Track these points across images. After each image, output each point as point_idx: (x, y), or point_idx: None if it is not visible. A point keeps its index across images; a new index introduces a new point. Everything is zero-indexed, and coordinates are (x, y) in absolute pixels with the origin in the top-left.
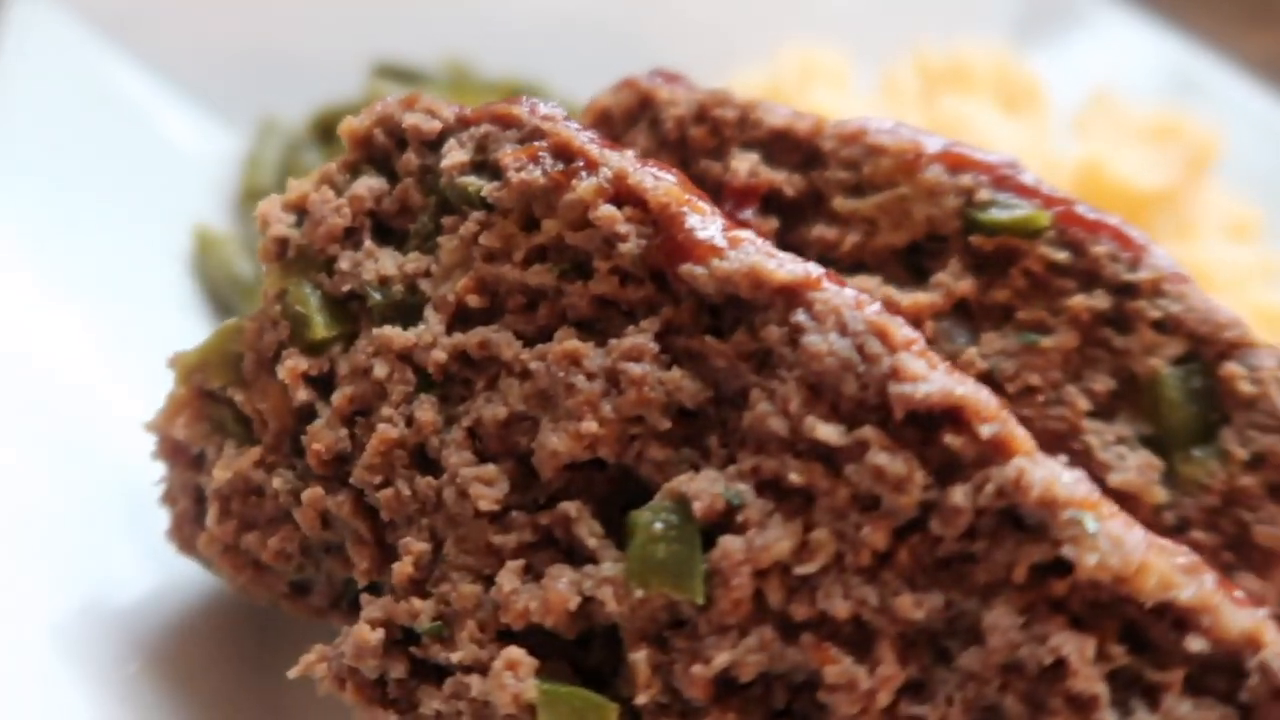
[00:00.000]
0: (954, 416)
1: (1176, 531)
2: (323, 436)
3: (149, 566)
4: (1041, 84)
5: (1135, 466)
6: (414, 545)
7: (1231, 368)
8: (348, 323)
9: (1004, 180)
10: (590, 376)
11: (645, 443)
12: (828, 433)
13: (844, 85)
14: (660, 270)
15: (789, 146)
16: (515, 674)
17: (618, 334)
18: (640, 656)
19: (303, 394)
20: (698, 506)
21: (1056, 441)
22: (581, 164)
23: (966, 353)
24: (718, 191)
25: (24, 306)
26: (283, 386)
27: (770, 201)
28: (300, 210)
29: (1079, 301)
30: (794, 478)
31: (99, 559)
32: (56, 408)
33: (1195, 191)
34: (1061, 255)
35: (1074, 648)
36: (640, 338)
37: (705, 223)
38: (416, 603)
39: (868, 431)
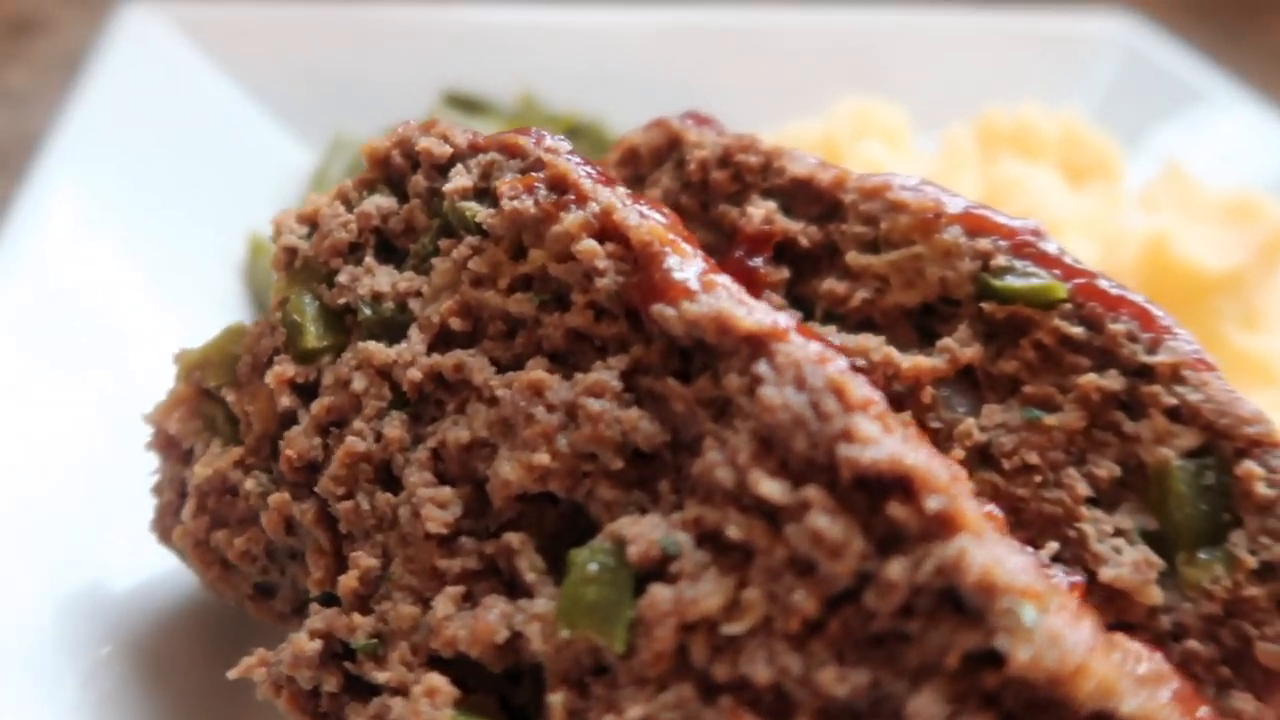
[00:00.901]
0: (902, 486)
1: (1172, 638)
2: (297, 443)
3: (141, 558)
4: (1114, 155)
5: (1131, 562)
6: (363, 560)
7: (1250, 467)
8: (341, 335)
9: (1023, 247)
10: (550, 409)
11: (596, 481)
12: (771, 489)
13: (900, 142)
14: (635, 309)
15: (810, 197)
16: (433, 701)
17: (587, 369)
18: (558, 699)
19: (287, 400)
20: (633, 551)
21: (1050, 527)
22: (572, 197)
23: (965, 423)
24: (732, 237)
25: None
26: (270, 391)
27: (785, 251)
28: (312, 223)
29: (1090, 380)
30: (733, 532)
31: (96, 545)
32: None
33: (1267, 278)
34: (1076, 330)
35: None
36: (605, 374)
37: (684, 265)
38: (357, 618)
39: (812, 492)
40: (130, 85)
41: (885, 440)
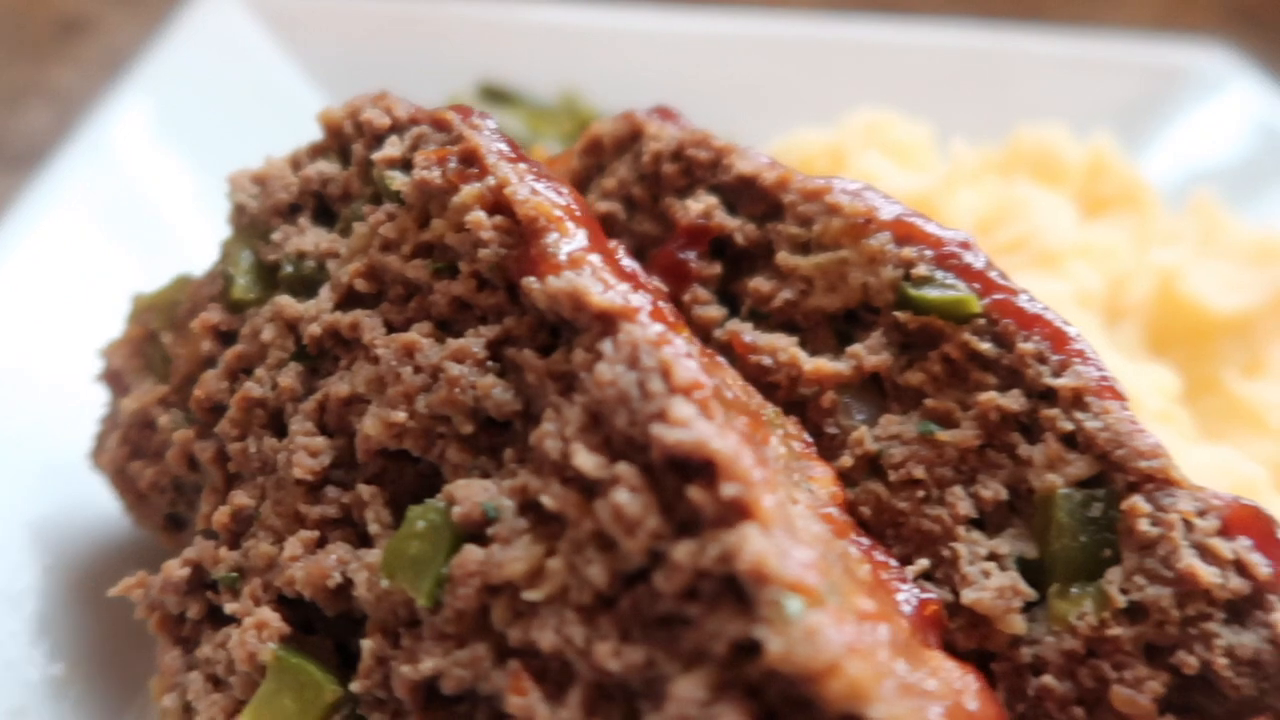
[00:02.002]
0: (705, 470)
1: (1031, 672)
2: (207, 384)
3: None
4: (1143, 187)
5: (996, 588)
6: (239, 498)
7: (1136, 502)
8: (270, 289)
9: (947, 258)
10: (418, 370)
11: (448, 443)
12: (585, 461)
13: (912, 157)
14: (513, 281)
15: (754, 195)
16: (260, 634)
17: (462, 335)
18: (369, 645)
19: (208, 344)
20: (457, 512)
21: (926, 544)
22: (476, 171)
23: (859, 431)
24: (674, 229)
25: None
26: (197, 335)
27: (724, 247)
28: (264, 183)
29: (989, 399)
30: (549, 502)
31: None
32: None
33: (1278, 326)
34: (986, 346)
35: None
36: (472, 341)
37: (562, 241)
38: (224, 552)
39: (622, 468)
40: (200, 55)
41: (698, 424)
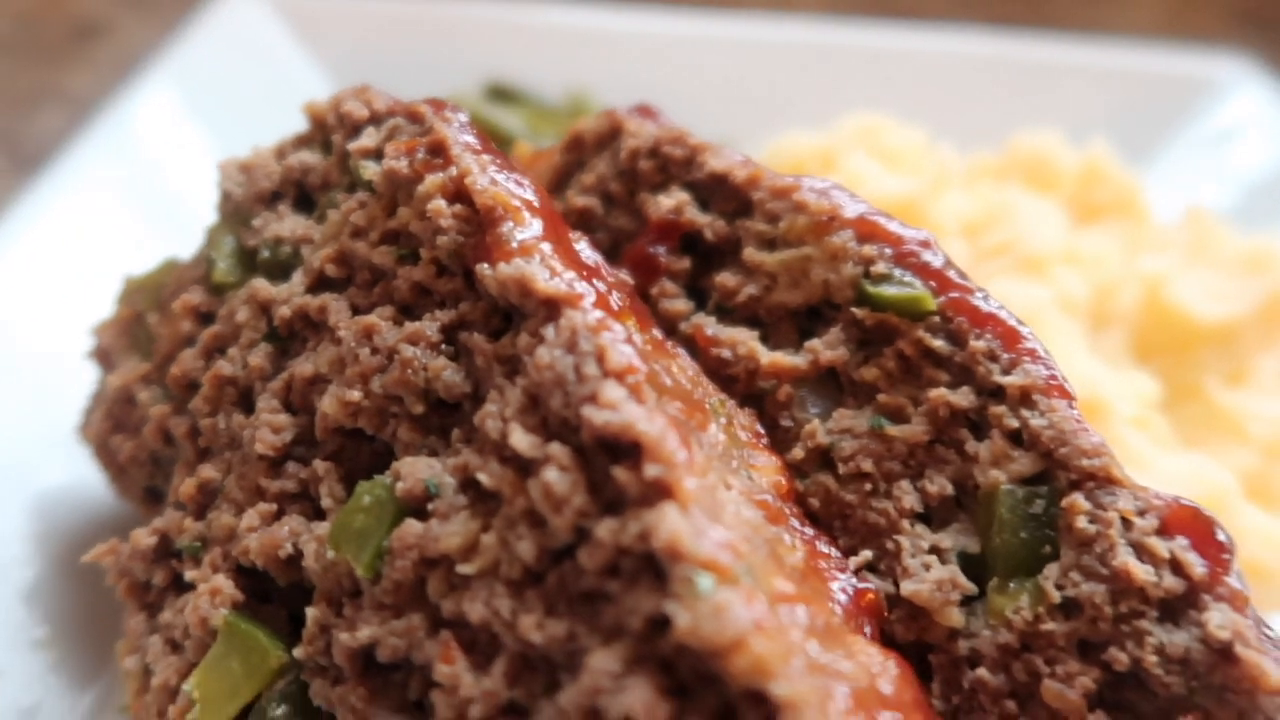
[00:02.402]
0: (632, 452)
1: (968, 664)
2: (184, 362)
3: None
4: (1137, 195)
5: (935, 580)
6: (206, 472)
7: (1076, 500)
8: (249, 273)
9: (906, 256)
10: (374, 351)
11: (400, 422)
12: (520, 441)
13: (900, 160)
14: (469, 268)
15: (726, 192)
16: (213, 600)
17: (419, 319)
18: (314, 614)
19: (188, 324)
20: (400, 487)
21: (871, 536)
22: (441, 161)
23: (812, 424)
24: (646, 224)
25: None
26: (179, 316)
27: (693, 243)
28: (249, 172)
29: (939, 395)
30: (486, 480)
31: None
32: None
33: (1265, 335)
34: (938, 343)
35: (643, 708)
36: (427, 324)
37: (516, 230)
38: (189, 522)
39: (555, 448)
40: (221, 50)
41: (627, 407)
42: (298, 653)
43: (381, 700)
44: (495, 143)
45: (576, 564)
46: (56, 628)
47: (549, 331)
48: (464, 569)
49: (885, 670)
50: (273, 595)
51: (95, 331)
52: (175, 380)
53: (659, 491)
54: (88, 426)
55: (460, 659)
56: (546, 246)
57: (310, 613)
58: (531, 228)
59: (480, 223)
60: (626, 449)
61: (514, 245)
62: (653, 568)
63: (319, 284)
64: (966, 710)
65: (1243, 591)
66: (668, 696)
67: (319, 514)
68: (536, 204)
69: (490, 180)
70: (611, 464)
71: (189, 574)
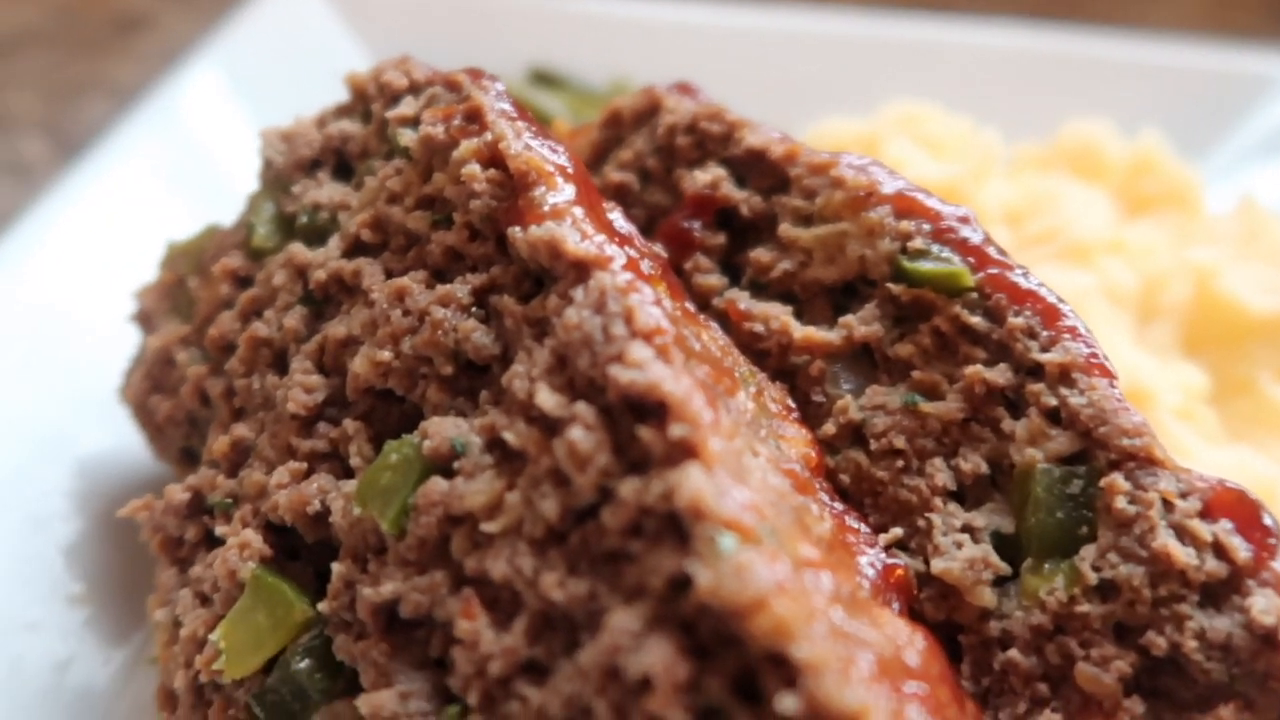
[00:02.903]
0: (657, 411)
1: (999, 646)
2: (222, 324)
3: None
4: (1192, 187)
5: (966, 559)
6: (240, 431)
7: (1116, 480)
8: (287, 239)
9: (945, 232)
10: (406, 313)
11: (429, 383)
12: (546, 400)
13: (942, 147)
14: (502, 232)
15: (763, 169)
16: (242, 553)
17: (451, 283)
18: (339, 569)
19: (226, 288)
20: (427, 445)
21: (903, 513)
22: (476, 127)
23: (844, 400)
24: (682, 199)
25: None
26: (219, 279)
27: (729, 218)
28: (290, 140)
29: (975, 372)
30: (511, 438)
31: None
32: None
33: None
34: (976, 319)
35: (662, 668)
36: (458, 287)
37: (550, 194)
38: (221, 479)
39: (581, 408)
40: (269, 29)
41: (654, 367)
42: (322, 607)
43: (403, 656)
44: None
45: (600, 523)
46: (92, 584)
47: (578, 293)
48: (487, 527)
49: (912, 642)
50: (300, 552)
51: (137, 295)
52: (213, 342)
53: (684, 451)
54: (128, 388)
55: (482, 615)
56: (578, 211)
57: (335, 568)
58: (564, 192)
59: (513, 187)
60: (652, 408)
61: (546, 209)
62: (676, 528)
63: (354, 249)
64: (997, 692)
65: None
66: (688, 656)
67: (348, 473)
68: (570, 170)
69: (524, 145)
70: (637, 424)
71: (220, 529)
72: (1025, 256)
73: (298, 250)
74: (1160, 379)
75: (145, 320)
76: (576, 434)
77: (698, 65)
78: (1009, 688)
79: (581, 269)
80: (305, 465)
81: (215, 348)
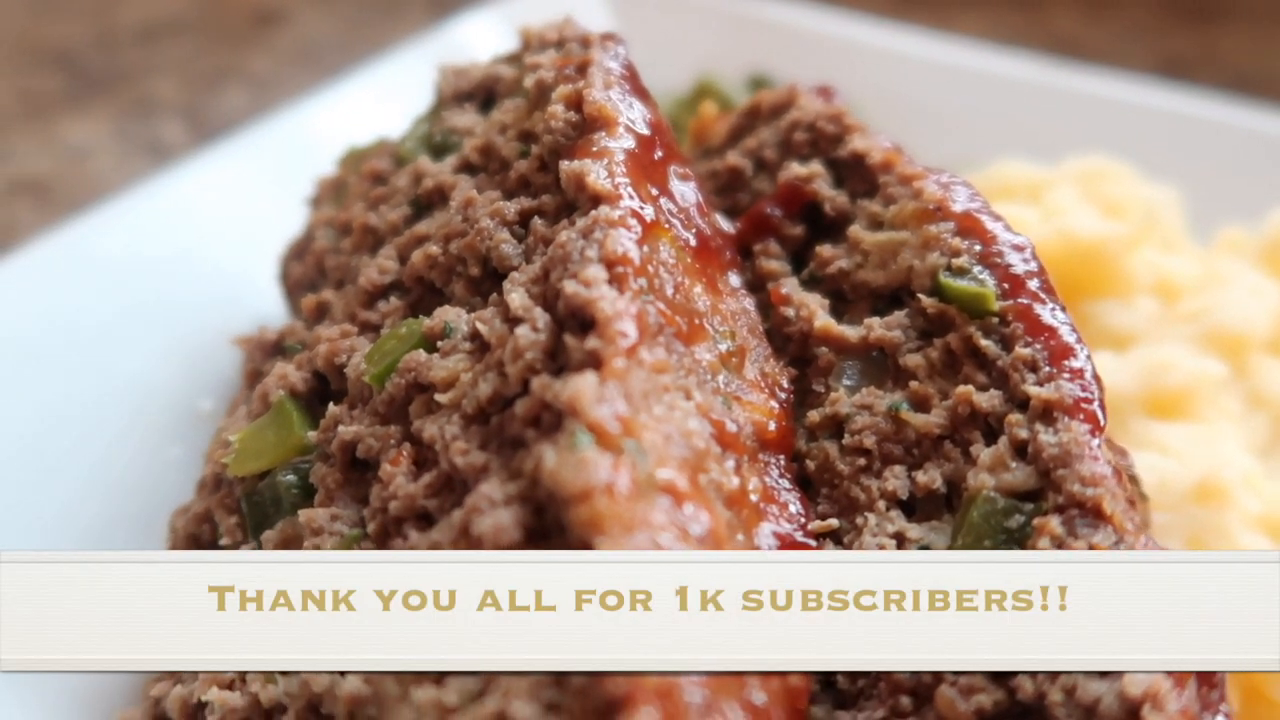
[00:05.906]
0: (589, 326)
1: None
2: (352, 211)
3: None
4: None
5: None
6: (326, 294)
7: (1049, 523)
8: (424, 152)
9: (991, 255)
10: (465, 220)
11: (459, 281)
12: (515, 300)
13: (1115, 209)
14: None
15: (861, 173)
16: (278, 381)
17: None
18: (334, 410)
19: (366, 184)
20: (426, 324)
21: (848, 509)
22: (578, 76)
23: (837, 393)
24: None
25: None
26: (365, 177)
27: (815, 214)
28: (460, 75)
29: (965, 392)
30: (484, 330)
31: None
32: None
33: None
34: (986, 343)
35: (493, 532)
36: (510, 205)
37: (607, 139)
38: (301, 329)
39: (538, 312)
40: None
41: (600, 287)
42: (313, 436)
43: (349, 488)
44: None
45: (513, 411)
46: (219, 400)
47: (578, 219)
48: (440, 398)
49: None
50: (328, 398)
51: (315, 183)
52: (341, 224)
53: (590, 361)
54: (283, 258)
55: (404, 464)
56: (621, 155)
57: (331, 408)
58: (621, 140)
59: (584, 129)
60: (586, 323)
61: (595, 149)
62: (563, 425)
63: (462, 167)
64: (866, 695)
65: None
66: (525, 532)
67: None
68: (638, 127)
69: (605, 96)
70: (572, 333)
71: (280, 367)
72: (1161, 332)
73: (423, 162)
74: (1246, 483)
75: (314, 205)
76: (522, 331)
77: (885, 89)
78: (876, 693)
79: (594, 201)
80: (355, 329)
81: (342, 229)
